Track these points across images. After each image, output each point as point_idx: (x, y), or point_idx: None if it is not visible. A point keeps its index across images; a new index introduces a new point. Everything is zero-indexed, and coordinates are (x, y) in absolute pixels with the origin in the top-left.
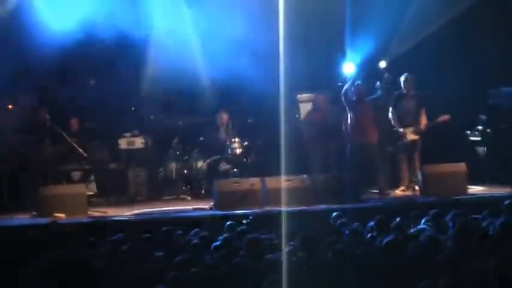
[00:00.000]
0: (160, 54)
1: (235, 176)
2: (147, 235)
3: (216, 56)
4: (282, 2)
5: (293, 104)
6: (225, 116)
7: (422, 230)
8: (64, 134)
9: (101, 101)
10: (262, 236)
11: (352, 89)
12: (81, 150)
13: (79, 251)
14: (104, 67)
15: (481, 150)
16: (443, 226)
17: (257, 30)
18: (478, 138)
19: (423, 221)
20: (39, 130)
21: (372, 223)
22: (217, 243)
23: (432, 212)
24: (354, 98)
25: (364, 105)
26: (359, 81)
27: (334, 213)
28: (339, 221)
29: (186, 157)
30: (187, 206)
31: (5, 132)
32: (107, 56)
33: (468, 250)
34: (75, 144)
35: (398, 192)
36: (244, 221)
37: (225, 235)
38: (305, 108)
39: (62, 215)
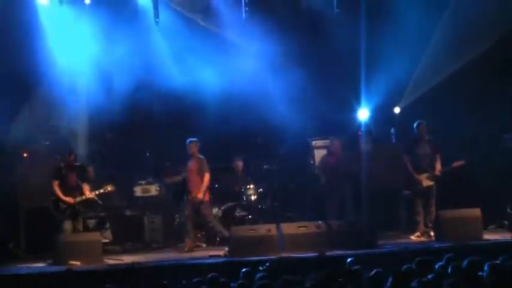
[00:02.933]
0: (174, 101)
1: (250, 223)
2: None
3: (232, 103)
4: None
5: (308, 150)
6: (239, 163)
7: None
8: (79, 182)
9: (116, 149)
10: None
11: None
12: (96, 197)
13: None
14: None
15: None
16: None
17: (271, 77)
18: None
19: (437, 266)
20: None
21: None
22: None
23: (448, 256)
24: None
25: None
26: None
27: (349, 259)
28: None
29: None
30: (203, 253)
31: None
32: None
33: None
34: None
35: (414, 238)
36: (261, 268)
37: (240, 282)
38: (319, 153)
39: (78, 263)
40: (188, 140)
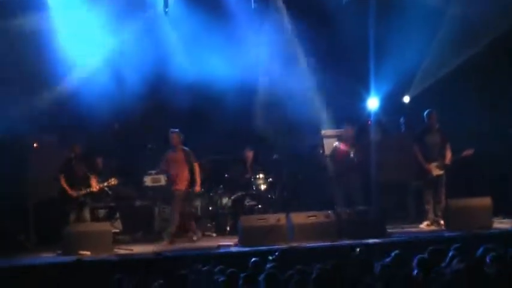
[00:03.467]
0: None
1: (260, 212)
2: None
3: (242, 92)
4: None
5: (318, 140)
6: (249, 153)
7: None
8: (89, 173)
9: (125, 139)
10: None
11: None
12: (106, 188)
13: None
14: (127, 107)
15: None
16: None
17: (281, 68)
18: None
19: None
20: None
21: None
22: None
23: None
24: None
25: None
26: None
27: (358, 248)
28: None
29: (211, 194)
30: (213, 243)
31: (31, 170)
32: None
33: None
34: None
35: (424, 226)
36: (270, 257)
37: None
38: (329, 143)
39: (88, 253)
40: (172, 131)
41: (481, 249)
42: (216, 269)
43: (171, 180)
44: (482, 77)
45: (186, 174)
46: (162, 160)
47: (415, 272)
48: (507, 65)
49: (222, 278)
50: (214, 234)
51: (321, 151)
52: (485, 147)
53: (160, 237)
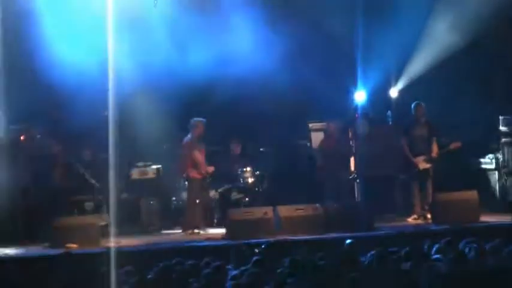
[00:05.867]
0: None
1: (247, 205)
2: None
3: (229, 84)
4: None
5: (305, 133)
6: (236, 146)
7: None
8: (77, 165)
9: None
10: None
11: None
12: (93, 180)
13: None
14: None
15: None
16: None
17: (268, 60)
18: (491, 166)
19: (435, 249)
20: (51, 161)
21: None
22: None
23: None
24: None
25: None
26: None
27: (348, 241)
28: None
29: None
30: (200, 236)
31: (19, 163)
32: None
33: None
34: (87, 175)
35: (411, 220)
36: (257, 250)
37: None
38: (317, 136)
39: (75, 246)
40: (198, 120)
41: (462, 243)
42: (203, 262)
43: (193, 169)
44: (471, 67)
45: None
46: (188, 148)
47: (404, 264)
48: (494, 54)
49: (208, 271)
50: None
51: (308, 144)
52: (473, 138)
53: (147, 231)
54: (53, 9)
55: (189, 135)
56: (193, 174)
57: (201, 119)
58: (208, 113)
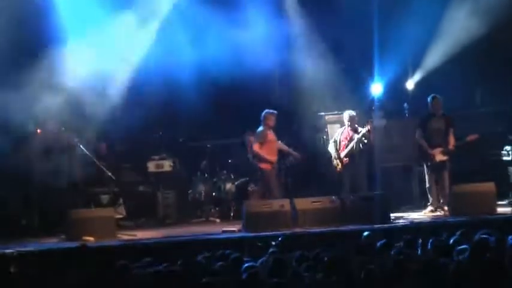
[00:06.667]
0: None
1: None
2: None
3: (247, 78)
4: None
5: (321, 125)
6: (252, 138)
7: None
8: (93, 158)
9: (130, 124)
10: None
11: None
12: (110, 173)
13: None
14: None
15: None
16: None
17: (285, 52)
18: (509, 158)
19: (452, 240)
20: (68, 154)
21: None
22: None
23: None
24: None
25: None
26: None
27: (365, 233)
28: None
29: (214, 179)
30: (216, 228)
31: (35, 156)
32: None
33: None
34: (104, 168)
35: (428, 212)
36: (274, 243)
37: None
38: (333, 128)
39: (91, 239)
40: (270, 112)
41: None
42: (218, 254)
43: (267, 160)
44: (487, 60)
45: None
46: (260, 139)
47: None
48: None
49: (222, 263)
50: (218, 220)
51: (325, 136)
52: (492, 130)
53: (163, 223)
54: None
55: (260, 127)
56: (264, 165)
57: (272, 110)
58: (226, 106)
